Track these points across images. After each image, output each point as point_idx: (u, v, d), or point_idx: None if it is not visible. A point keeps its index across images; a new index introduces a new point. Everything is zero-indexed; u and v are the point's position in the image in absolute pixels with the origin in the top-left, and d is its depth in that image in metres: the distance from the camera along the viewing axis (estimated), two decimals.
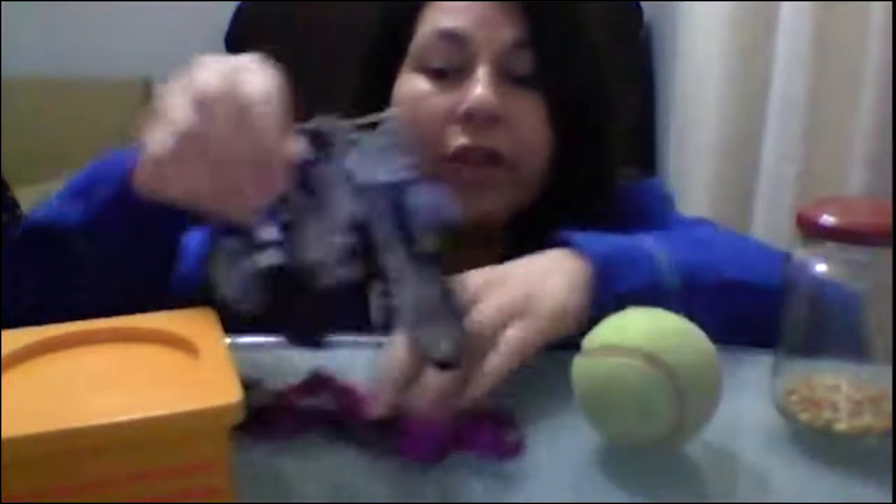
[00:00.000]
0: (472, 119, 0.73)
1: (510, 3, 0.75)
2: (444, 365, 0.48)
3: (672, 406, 0.47)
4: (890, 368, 0.50)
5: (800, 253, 0.52)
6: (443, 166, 0.74)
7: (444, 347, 0.47)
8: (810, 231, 0.51)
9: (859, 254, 0.50)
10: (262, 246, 0.50)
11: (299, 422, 0.52)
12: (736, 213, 1.75)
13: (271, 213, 0.50)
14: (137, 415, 0.37)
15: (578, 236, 0.62)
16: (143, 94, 2.37)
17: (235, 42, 2.29)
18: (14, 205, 0.91)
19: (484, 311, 0.54)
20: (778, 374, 0.54)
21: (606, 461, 0.50)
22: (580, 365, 0.50)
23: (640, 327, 0.49)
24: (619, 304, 0.53)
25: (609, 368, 0.48)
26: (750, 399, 0.56)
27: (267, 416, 0.51)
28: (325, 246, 0.48)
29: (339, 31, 2.19)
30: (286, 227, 0.49)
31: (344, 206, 0.47)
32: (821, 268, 0.52)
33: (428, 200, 0.46)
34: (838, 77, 1.57)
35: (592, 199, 0.79)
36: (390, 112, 0.50)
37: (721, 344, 0.50)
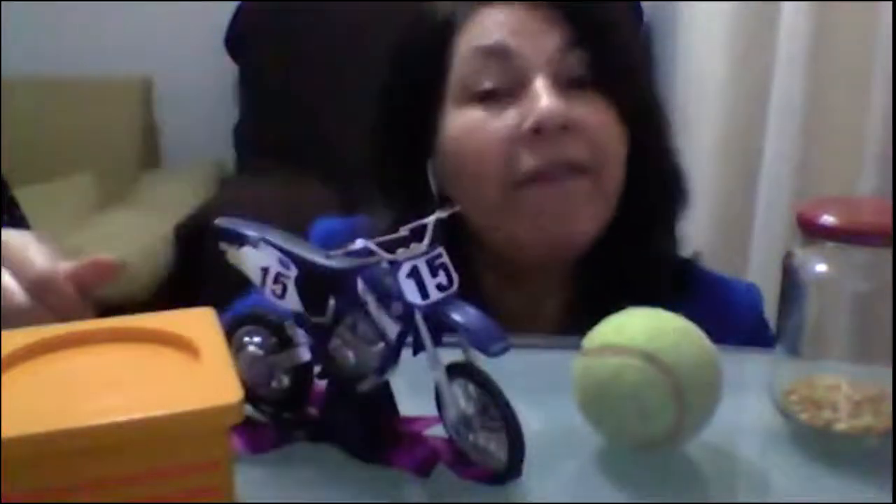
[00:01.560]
0: (541, 133, 0.68)
1: (546, 9, 0.70)
2: (501, 477, 0.46)
3: (672, 406, 0.47)
4: (890, 368, 0.50)
5: (800, 253, 0.52)
6: (518, 194, 0.69)
7: (495, 459, 0.46)
8: (810, 231, 0.51)
9: (859, 254, 0.50)
10: (290, 342, 0.50)
11: (280, 434, 0.52)
12: (736, 212, 1.75)
13: (298, 316, 0.50)
14: (137, 415, 0.37)
15: None
16: (143, 94, 2.37)
17: (235, 42, 2.29)
18: (14, 205, 0.91)
19: None
20: (778, 374, 0.54)
21: (606, 461, 0.50)
22: (580, 365, 0.50)
23: (639, 327, 0.49)
24: None
25: (609, 368, 0.48)
26: (750, 399, 0.56)
27: (247, 427, 0.51)
28: (363, 353, 0.47)
29: (339, 31, 2.19)
30: (320, 330, 0.49)
31: (383, 318, 0.46)
32: (821, 268, 0.52)
33: (472, 321, 0.44)
34: (838, 77, 1.57)
35: (665, 220, 0.75)
36: (437, 216, 0.48)
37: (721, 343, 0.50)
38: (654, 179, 0.74)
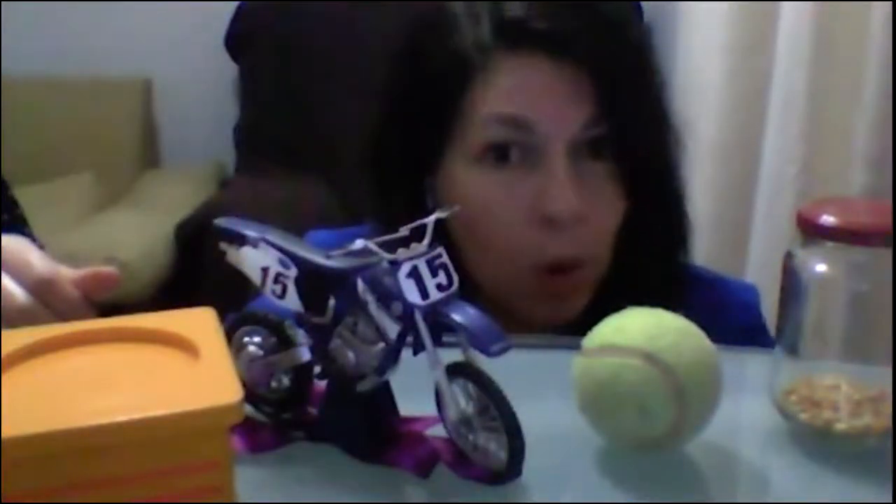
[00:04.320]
0: (557, 226, 0.67)
1: (576, 74, 0.66)
2: (501, 477, 0.46)
3: (672, 406, 0.47)
4: (890, 368, 0.50)
5: (800, 253, 0.52)
6: (532, 275, 0.69)
7: (495, 459, 0.46)
8: (810, 231, 0.51)
9: (859, 254, 0.50)
10: (290, 342, 0.50)
11: (280, 434, 0.52)
12: (736, 213, 1.75)
13: (298, 316, 0.50)
14: (137, 415, 0.37)
15: None
16: (144, 94, 2.37)
17: (235, 42, 2.29)
18: (14, 204, 0.91)
19: None
20: (778, 374, 0.54)
21: (606, 461, 0.50)
22: (580, 365, 0.50)
23: (639, 327, 0.49)
24: None
25: (609, 368, 0.48)
26: (750, 399, 0.56)
27: (247, 427, 0.51)
28: (363, 353, 0.47)
29: (339, 31, 2.19)
30: (320, 330, 0.49)
31: (383, 318, 0.46)
32: (821, 268, 0.52)
33: (472, 321, 0.44)
34: (838, 76, 1.57)
35: (664, 267, 0.74)
36: (436, 215, 0.48)
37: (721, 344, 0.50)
38: (655, 226, 0.73)
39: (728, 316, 0.74)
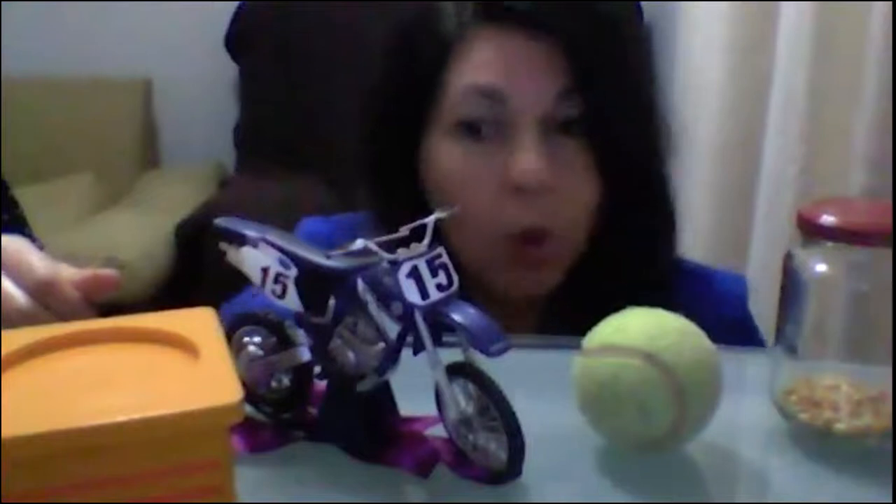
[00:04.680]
0: (524, 192, 0.68)
1: (550, 48, 0.67)
2: (501, 477, 0.46)
3: (672, 406, 0.47)
4: (890, 368, 0.50)
5: (800, 253, 0.52)
6: (502, 244, 0.70)
7: (495, 459, 0.46)
8: (810, 231, 0.51)
9: (859, 254, 0.50)
10: (290, 342, 0.50)
11: (280, 434, 0.52)
12: (736, 213, 1.75)
13: (298, 316, 0.50)
14: (137, 415, 0.37)
15: None
16: (144, 94, 2.38)
17: (235, 42, 2.29)
18: (14, 205, 0.92)
19: None
20: (778, 374, 0.54)
21: (606, 461, 0.50)
22: (580, 365, 0.50)
23: (639, 327, 0.49)
24: None
25: (609, 368, 0.48)
26: (750, 399, 0.56)
27: (247, 427, 0.51)
28: (363, 353, 0.47)
29: (338, 31, 2.19)
30: (320, 330, 0.49)
31: (383, 318, 0.46)
32: (821, 268, 0.52)
33: (472, 321, 0.44)
34: (838, 76, 1.57)
35: (646, 253, 0.74)
36: (435, 216, 0.48)
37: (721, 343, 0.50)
38: (632, 217, 0.73)
39: (714, 307, 0.74)
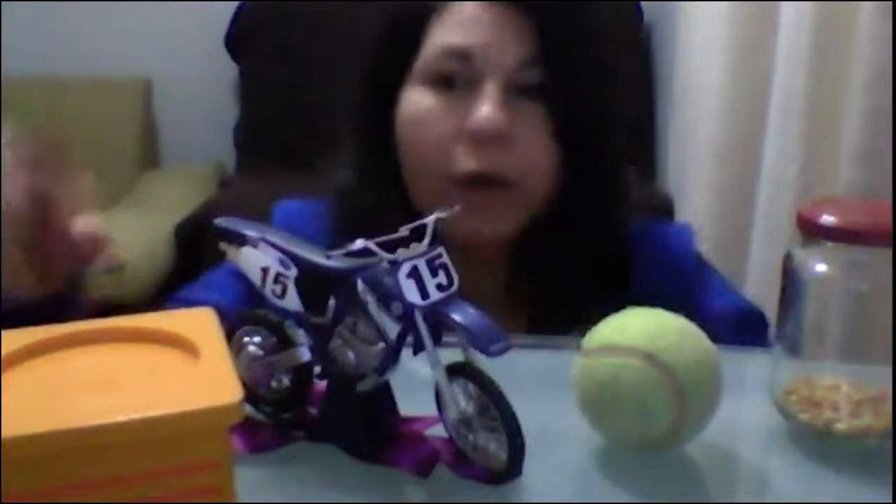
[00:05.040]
0: (478, 139, 0.71)
1: (521, 19, 0.72)
2: (501, 477, 0.46)
3: (672, 406, 0.47)
4: (890, 368, 0.50)
5: (800, 253, 0.52)
6: (451, 189, 0.72)
7: (495, 459, 0.46)
8: (810, 231, 0.51)
9: (859, 254, 0.50)
10: (290, 342, 0.50)
11: (280, 433, 0.52)
12: (736, 213, 1.75)
13: (299, 316, 0.49)
14: (137, 415, 0.37)
15: None
16: (144, 94, 2.38)
17: (235, 42, 2.29)
18: None
19: None
20: (778, 374, 0.54)
21: (606, 461, 0.50)
22: (580, 365, 0.50)
23: (639, 327, 0.49)
24: None
25: (609, 368, 0.48)
26: (750, 399, 0.56)
27: (247, 427, 0.51)
28: (363, 353, 0.47)
29: (338, 31, 2.19)
30: (320, 330, 0.49)
31: (383, 318, 0.46)
32: (821, 268, 0.52)
33: (472, 321, 0.44)
34: (838, 77, 1.57)
35: (600, 220, 0.77)
36: (435, 216, 0.48)
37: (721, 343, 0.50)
38: (588, 184, 0.76)
39: (668, 263, 0.78)
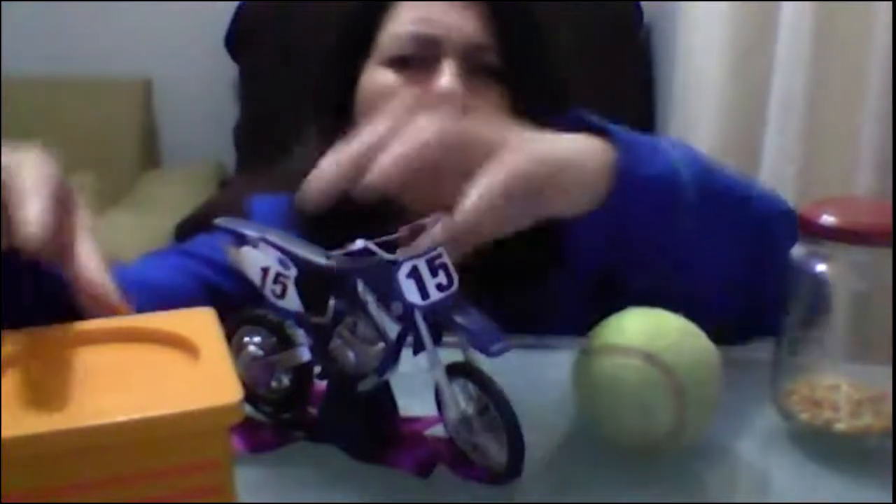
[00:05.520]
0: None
1: (476, 6, 0.76)
2: (501, 477, 0.46)
3: (672, 406, 0.47)
4: (890, 368, 0.50)
5: (800, 253, 0.52)
6: None
7: (495, 459, 0.46)
8: (810, 231, 0.51)
9: (859, 254, 0.50)
10: (290, 342, 0.50)
11: (280, 434, 0.52)
12: None
13: (299, 316, 0.50)
14: (137, 415, 0.37)
15: (597, 119, 0.60)
16: (144, 94, 2.37)
17: (235, 42, 2.29)
18: None
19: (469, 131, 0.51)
20: (778, 374, 0.54)
21: (606, 461, 0.50)
22: (580, 365, 0.50)
23: (639, 327, 0.49)
24: (641, 188, 0.54)
25: (609, 368, 0.48)
26: (750, 399, 0.56)
27: (247, 427, 0.51)
28: (363, 353, 0.47)
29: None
30: (320, 330, 0.49)
31: (383, 318, 0.46)
32: (821, 268, 0.52)
33: (472, 321, 0.44)
34: (838, 77, 1.57)
35: None
36: (435, 217, 0.48)
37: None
38: None
39: None
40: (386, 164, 0.48)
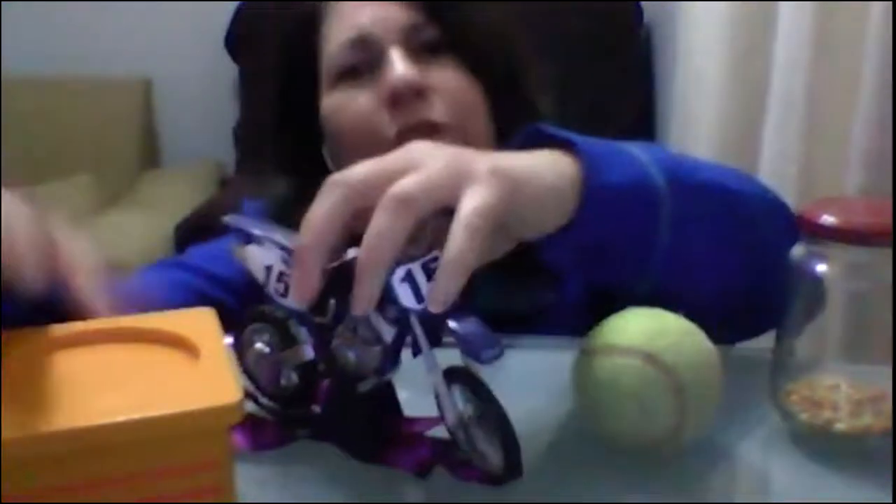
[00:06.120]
0: (398, 99, 0.72)
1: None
2: (500, 478, 0.46)
3: (672, 406, 0.47)
4: (890, 368, 0.50)
5: (800, 253, 0.52)
6: (394, 146, 0.71)
7: (493, 462, 0.46)
8: (810, 231, 0.51)
9: (859, 254, 0.50)
10: (294, 340, 0.50)
11: (282, 432, 0.52)
12: None
13: (301, 315, 0.49)
14: (137, 415, 0.37)
15: (556, 130, 0.56)
16: (144, 94, 2.38)
17: (235, 42, 2.29)
18: None
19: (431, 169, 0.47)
20: (778, 374, 0.54)
21: (606, 461, 0.50)
22: (580, 365, 0.50)
23: (639, 327, 0.49)
24: (611, 197, 0.52)
25: (609, 368, 0.48)
26: (750, 399, 0.56)
27: (251, 425, 0.51)
28: (363, 353, 0.47)
29: None
30: (321, 329, 0.49)
31: (379, 321, 0.46)
32: (821, 268, 0.52)
33: (465, 327, 0.44)
34: (838, 77, 1.57)
35: None
36: (433, 221, 0.48)
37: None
38: (513, 120, 0.75)
39: None
40: (451, 270, 0.44)
